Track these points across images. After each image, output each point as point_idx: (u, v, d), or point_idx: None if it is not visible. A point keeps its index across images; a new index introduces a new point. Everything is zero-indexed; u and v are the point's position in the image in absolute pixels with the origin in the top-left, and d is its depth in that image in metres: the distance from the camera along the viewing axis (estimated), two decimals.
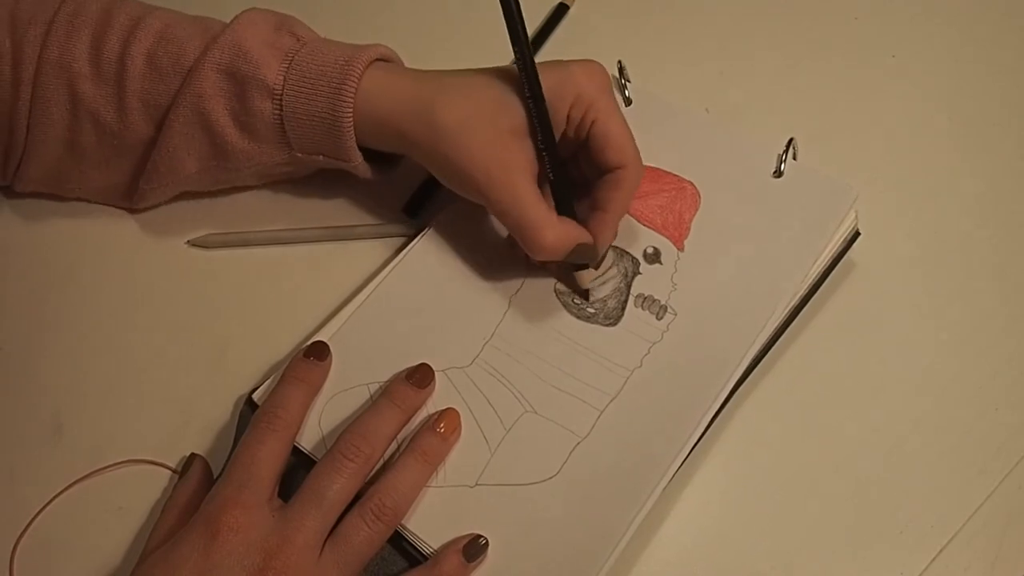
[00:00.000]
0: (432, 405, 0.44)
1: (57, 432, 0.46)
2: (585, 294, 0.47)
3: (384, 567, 0.41)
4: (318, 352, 0.44)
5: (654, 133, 0.51)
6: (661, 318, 0.46)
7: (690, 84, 0.57)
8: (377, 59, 0.47)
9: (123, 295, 0.50)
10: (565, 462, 0.42)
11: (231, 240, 0.52)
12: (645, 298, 0.46)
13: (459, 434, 0.43)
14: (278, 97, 0.46)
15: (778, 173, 0.49)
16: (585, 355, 0.45)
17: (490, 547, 0.41)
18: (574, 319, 0.46)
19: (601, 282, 0.47)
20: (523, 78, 0.44)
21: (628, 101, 0.53)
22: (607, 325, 0.46)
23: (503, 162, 0.44)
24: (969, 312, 0.49)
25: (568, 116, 0.45)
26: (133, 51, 0.46)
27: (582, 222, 0.46)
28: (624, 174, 0.45)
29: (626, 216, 0.49)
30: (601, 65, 0.46)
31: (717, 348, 0.44)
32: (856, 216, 0.48)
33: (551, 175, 0.46)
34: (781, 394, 0.46)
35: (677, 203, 0.49)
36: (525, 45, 0.43)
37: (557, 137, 0.46)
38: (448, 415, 0.43)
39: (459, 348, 0.46)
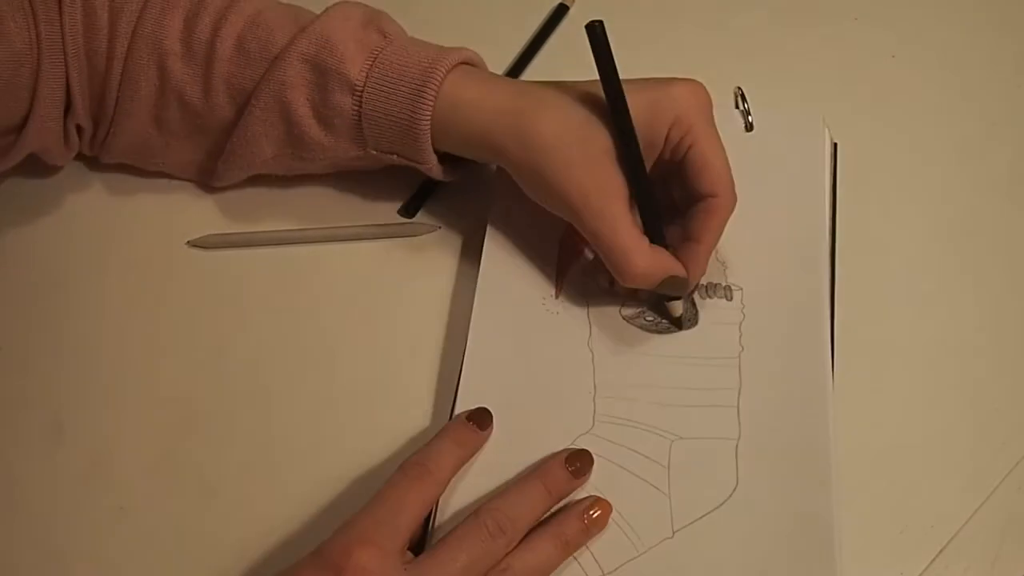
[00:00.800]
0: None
1: (57, 432, 0.46)
2: (678, 323, 0.46)
3: None
4: (480, 419, 0.43)
5: None
6: (731, 299, 0.46)
7: None
8: (462, 62, 0.46)
9: (123, 295, 0.50)
10: (737, 469, 0.42)
11: (232, 240, 0.52)
12: (707, 287, 0.46)
13: (604, 527, 0.41)
14: (358, 94, 0.46)
15: (748, 127, 0.50)
16: (689, 364, 0.45)
17: None
18: (659, 336, 0.46)
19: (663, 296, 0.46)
20: (609, 104, 0.43)
21: (749, 127, 0.51)
22: (690, 328, 0.46)
23: (599, 185, 0.43)
24: (969, 312, 0.49)
25: (667, 137, 0.44)
26: (224, 33, 0.47)
27: (671, 251, 0.45)
28: (718, 203, 0.44)
29: None
30: (703, 86, 0.45)
31: (797, 293, 0.45)
32: (828, 131, 0.50)
33: (640, 200, 0.45)
34: None
35: None
36: (612, 71, 0.42)
37: (654, 158, 0.45)
38: (602, 505, 0.41)
39: (572, 417, 0.44)
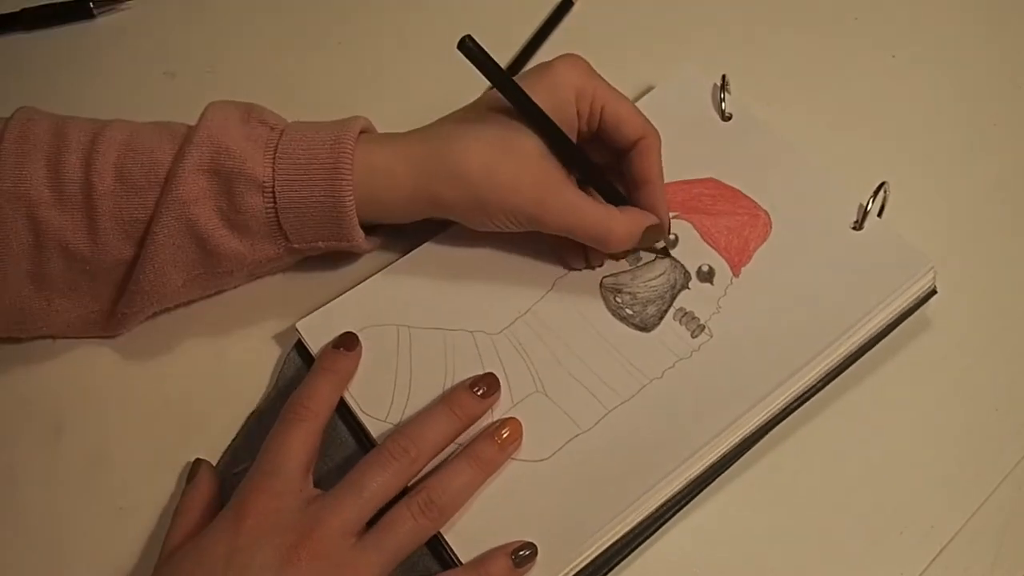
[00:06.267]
0: (453, 362, 0.45)
1: (57, 432, 0.46)
2: (665, 251, 0.48)
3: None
4: (348, 343, 0.44)
5: (745, 155, 0.51)
6: (696, 336, 0.45)
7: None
8: (360, 131, 0.45)
9: None
10: (559, 449, 0.43)
11: None
12: (686, 313, 0.46)
13: (519, 445, 0.42)
14: (269, 190, 0.43)
15: (858, 226, 0.48)
16: (610, 353, 0.45)
17: (475, 511, 0.41)
18: (610, 316, 0.46)
19: (650, 288, 0.47)
20: (516, 106, 0.44)
21: (727, 116, 0.52)
22: (640, 330, 0.46)
23: (545, 184, 0.44)
24: (968, 312, 0.49)
25: (578, 112, 0.45)
26: (98, 167, 0.43)
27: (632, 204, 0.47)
28: (647, 143, 0.46)
29: (690, 228, 0.49)
30: (577, 55, 0.46)
31: (741, 381, 0.44)
32: (934, 276, 0.47)
33: (589, 176, 0.46)
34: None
35: (746, 229, 0.48)
36: (502, 77, 0.43)
37: (573, 138, 0.46)
38: (511, 424, 0.42)
39: (493, 315, 0.46)
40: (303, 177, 0.43)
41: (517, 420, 0.43)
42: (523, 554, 0.39)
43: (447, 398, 0.42)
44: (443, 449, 0.42)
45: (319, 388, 0.42)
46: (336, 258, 0.50)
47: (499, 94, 0.44)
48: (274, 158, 0.43)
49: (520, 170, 0.44)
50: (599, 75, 0.46)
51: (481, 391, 0.43)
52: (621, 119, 0.45)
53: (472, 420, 0.43)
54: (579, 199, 0.44)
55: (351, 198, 0.44)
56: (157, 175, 0.43)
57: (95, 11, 0.61)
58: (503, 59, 0.58)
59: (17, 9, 0.61)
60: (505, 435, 0.42)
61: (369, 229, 0.47)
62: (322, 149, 0.43)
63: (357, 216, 0.44)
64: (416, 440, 0.40)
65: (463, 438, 0.43)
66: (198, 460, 0.44)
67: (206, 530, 0.38)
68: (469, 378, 0.43)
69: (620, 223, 0.44)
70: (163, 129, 0.45)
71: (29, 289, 0.44)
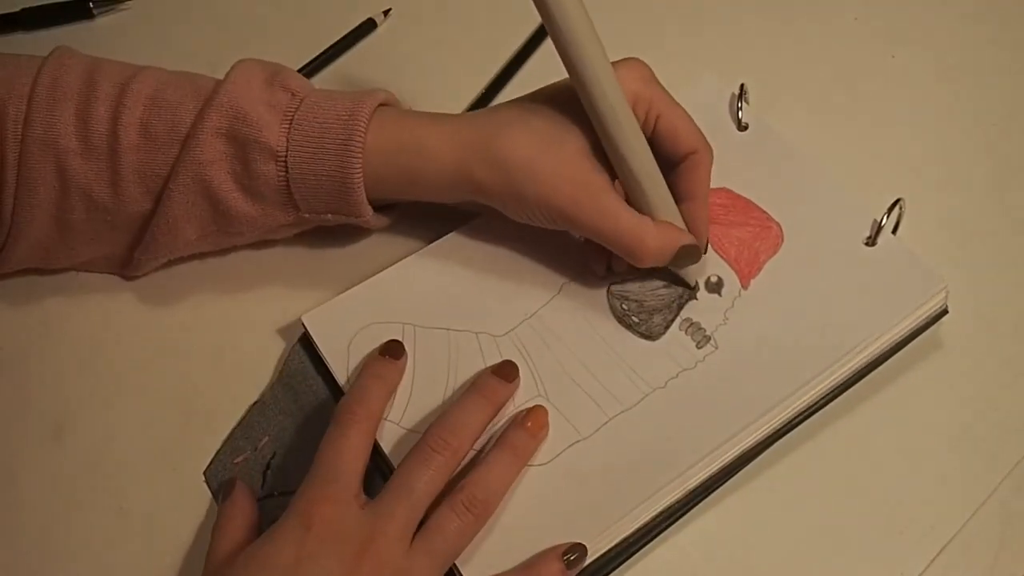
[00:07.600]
0: (456, 363, 0.45)
1: (57, 432, 0.46)
2: (694, 291, 0.47)
3: None
4: (393, 351, 0.44)
5: (759, 165, 0.50)
6: (701, 347, 0.45)
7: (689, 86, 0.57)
8: (380, 104, 0.46)
9: (124, 294, 0.50)
10: (558, 455, 0.42)
11: None
12: (692, 323, 0.46)
13: (547, 431, 0.43)
14: (282, 159, 0.44)
15: (871, 241, 0.48)
16: (614, 360, 0.45)
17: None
18: (615, 323, 0.46)
19: (657, 297, 0.47)
20: (584, 98, 0.42)
21: (743, 126, 0.52)
22: (646, 338, 0.46)
23: (586, 184, 0.43)
24: (969, 312, 0.49)
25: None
26: (124, 121, 0.44)
27: None
28: (699, 157, 0.45)
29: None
30: (641, 60, 0.45)
31: (744, 394, 0.43)
32: (946, 296, 0.46)
33: None
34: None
35: (757, 241, 0.48)
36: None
37: None
38: (536, 412, 0.42)
39: (498, 317, 0.46)
40: (314, 149, 0.44)
41: (542, 407, 0.43)
42: (572, 557, 0.39)
43: (474, 386, 0.43)
44: (480, 436, 0.42)
45: (370, 391, 0.42)
46: (343, 252, 0.50)
47: (558, 86, 0.44)
48: (290, 127, 0.44)
49: (561, 166, 0.43)
50: (659, 83, 0.45)
51: (503, 374, 0.43)
52: (677, 130, 0.44)
53: (501, 404, 0.43)
54: (616, 205, 0.43)
55: (359, 175, 0.44)
56: (178, 132, 0.44)
57: (95, 11, 0.62)
58: (501, 58, 0.58)
59: (17, 9, 0.61)
60: (531, 423, 0.42)
61: (386, 208, 0.48)
62: (336, 123, 0.44)
63: (390, 193, 0.46)
64: (455, 430, 0.41)
65: (476, 444, 0.42)
66: (231, 479, 0.44)
67: (266, 538, 0.38)
68: (489, 367, 0.44)
69: (654, 237, 0.43)
70: (189, 84, 0.46)
71: (54, 232, 0.46)
